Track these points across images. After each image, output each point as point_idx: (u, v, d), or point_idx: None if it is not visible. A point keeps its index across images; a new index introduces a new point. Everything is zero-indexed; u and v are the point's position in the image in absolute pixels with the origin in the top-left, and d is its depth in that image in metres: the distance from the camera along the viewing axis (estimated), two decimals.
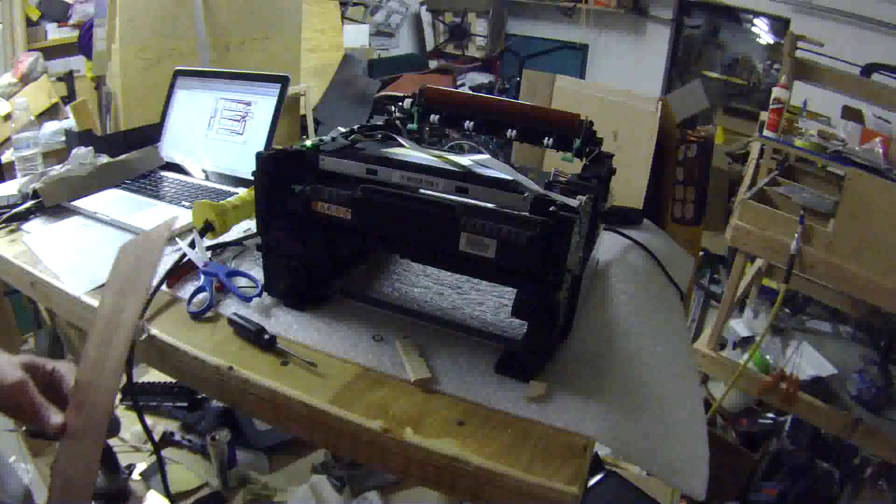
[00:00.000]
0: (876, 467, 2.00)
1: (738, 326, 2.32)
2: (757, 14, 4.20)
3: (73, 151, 1.29)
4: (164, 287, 0.90)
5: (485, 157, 0.87)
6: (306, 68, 3.24)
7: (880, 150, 1.90)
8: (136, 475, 1.46)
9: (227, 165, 1.34)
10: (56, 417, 0.66)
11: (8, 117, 2.54)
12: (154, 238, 0.82)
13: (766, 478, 2.01)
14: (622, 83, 2.01)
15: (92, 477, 0.64)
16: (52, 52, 3.04)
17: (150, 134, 1.44)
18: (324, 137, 0.89)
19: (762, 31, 4.30)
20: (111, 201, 1.21)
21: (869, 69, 2.77)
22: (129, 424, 1.52)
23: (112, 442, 1.35)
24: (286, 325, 0.85)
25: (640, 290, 1.04)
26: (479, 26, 5.12)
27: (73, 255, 1.02)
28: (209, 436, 1.49)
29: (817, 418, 1.91)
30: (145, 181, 1.31)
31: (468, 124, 0.97)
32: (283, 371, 0.77)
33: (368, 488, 1.52)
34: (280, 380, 0.75)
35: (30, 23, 3.10)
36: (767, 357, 2.11)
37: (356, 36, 4.20)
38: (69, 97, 2.93)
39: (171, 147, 1.41)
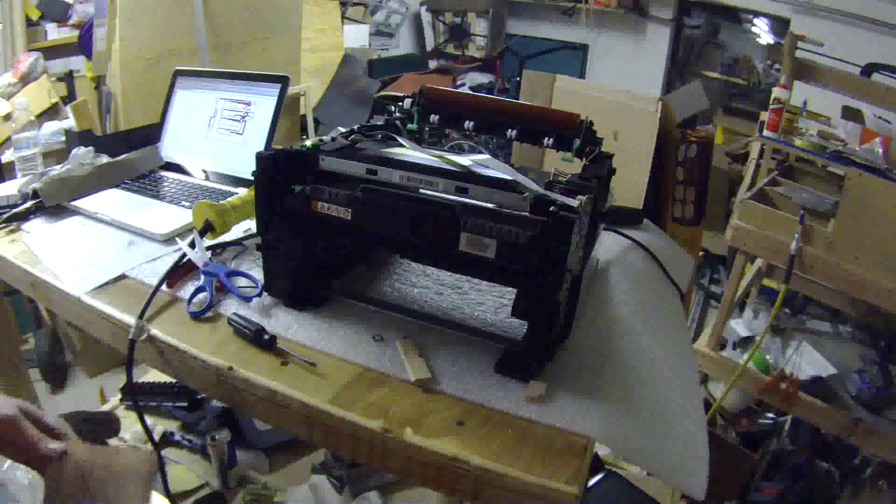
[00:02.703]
0: (876, 467, 2.00)
1: (738, 326, 2.32)
2: (757, 14, 4.20)
3: (73, 151, 1.30)
4: (164, 287, 0.90)
5: (485, 157, 0.87)
6: (306, 68, 3.24)
7: (880, 150, 1.89)
8: None
9: (227, 165, 1.34)
10: (54, 444, 0.65)
11: (8, 117, 2.54)
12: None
13: (766, 478, 2.01)
14: (622, 83, 2.01)
15: None
16: (52, 52, 3.03)
17: (150, 134, 1.44)
18: (324, 137, 0.89)
19: (762, 31, 4.31)
20: (111, 201, 1.21)
21: (869, 69, 2.77)
22: (129, 424, 1.52)
23: (112, 442, 1.35)
24: (286, 325, 0.85)
25: (640, 290, 1.04)
26: (479, 26, 5.12)
27: (73, 255, 1.02)
28: (209, 436, 1.49)
29: (817, 418, 1.91)
30: (145, 181, 1.31)
31: (468, 124, 0.97)
32: (283, 371, 0.77)
33: (368, 488, 1.52)
34: (280, 380, 0.75)
35: (30, 23, 3.10)
36: (767, 357, 2.11)
37: (356, 36, 4.21)
38: (69, 97, 2.92)
39: (171, 147, 1.41)
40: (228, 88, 1.36)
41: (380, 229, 0.81)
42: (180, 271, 0.94)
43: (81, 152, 1.29)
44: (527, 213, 0.73)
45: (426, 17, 5.18)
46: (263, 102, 1.31)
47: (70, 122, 2.28)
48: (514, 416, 0.71)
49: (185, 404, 1.67)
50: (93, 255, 1.03)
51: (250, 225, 1.06)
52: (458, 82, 4.46)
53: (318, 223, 0.82)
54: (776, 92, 1.98)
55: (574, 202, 0.72)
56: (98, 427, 1.26)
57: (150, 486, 0.65)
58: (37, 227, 1.13)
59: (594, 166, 0.91)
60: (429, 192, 0.79)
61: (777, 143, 2.04)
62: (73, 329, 2.43)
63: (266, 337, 0.80)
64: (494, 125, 0.96)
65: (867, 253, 1.64)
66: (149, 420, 1.57)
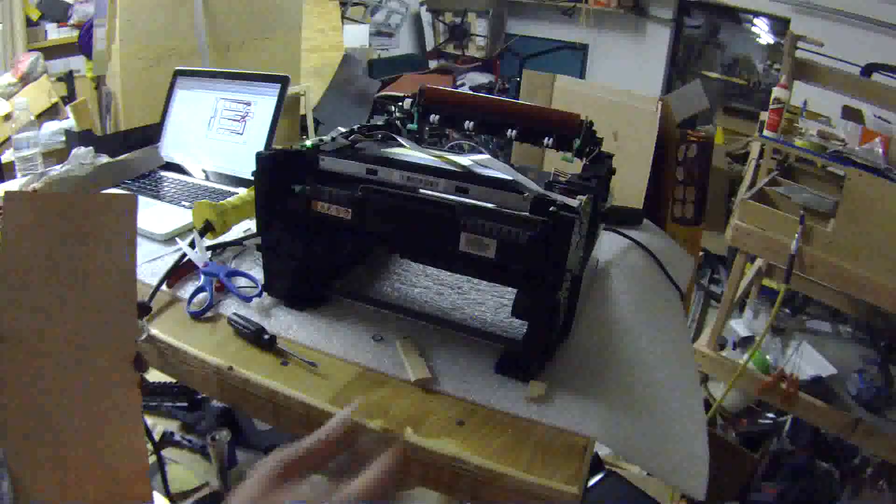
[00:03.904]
0: (876, 467, 2.00)
1: (738, 326, 2.32)
2: (757, 14, 4.20)
3: (73, 151, 1.29)
4: (164, 287, 0.90)
5: (485, 157, 0.87)
6: (306, 68, 3.24)
7: (880, 150, 1.89)
8: None
9: (227, 165, 1.34)
10: None
11: (8, 117, 2.54)
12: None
13: (766, 478, 2.01)
14: (622, 83, 2.01)
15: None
16: (52, 52, 3.04)
17: (150, 134, 1.44)
18: (324, 137, 0.89)
19: (762, 31, 4.31)
20: None
21: (869, 69, 2.77)
22: None
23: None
24: (286, 325, 0.85)
25: (640, 290, 1.04)
26: (479, 26, 5.13)
27: None
28: (209, 436, 1.49)
29: (817, 418, 1.92)
30: (145, 181, 1.31)
31: (468, 124, 0.97)
32: (283, 371, 0.77)
33: None
34: (280, 380, 0.75)
35: (30, 23, 3.10)
36: (767, 357, 2.11)
37: (356, 36, 4.21)
38: (69, 97, 2.93)
39: (171, 147, 1.41)
40: (228, 88, 1.36)
41: (380, 229, 0.81)
42: (180, 271, 0.94)
43: (81, 152, 1.29)
44: (527, 213, 0.73)
45: (426, 17, 5.18)
46: (263, 102, 1.31)
47: (70, 122, 2.28)
48: (514, 416, 0.71)
49: (185, 404, 1.67)
50: None
51: (250, 225, 1.06)
52: (458, 82, 4.46)
53: (318, 223, 0.82)
54: (776, 92, 1.98)
55: (574, 202, 0.72)
56: None
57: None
58: None
59: (594, 166, 0.91)
60: (429, 192, 0.79)
61: (777, 143, 2.04)
62: None
63: (266, 337, 0.80)
64: (494, 125, 0.96)
65: (867, 253, 1.64)
66: (149, 420, 1.57)
